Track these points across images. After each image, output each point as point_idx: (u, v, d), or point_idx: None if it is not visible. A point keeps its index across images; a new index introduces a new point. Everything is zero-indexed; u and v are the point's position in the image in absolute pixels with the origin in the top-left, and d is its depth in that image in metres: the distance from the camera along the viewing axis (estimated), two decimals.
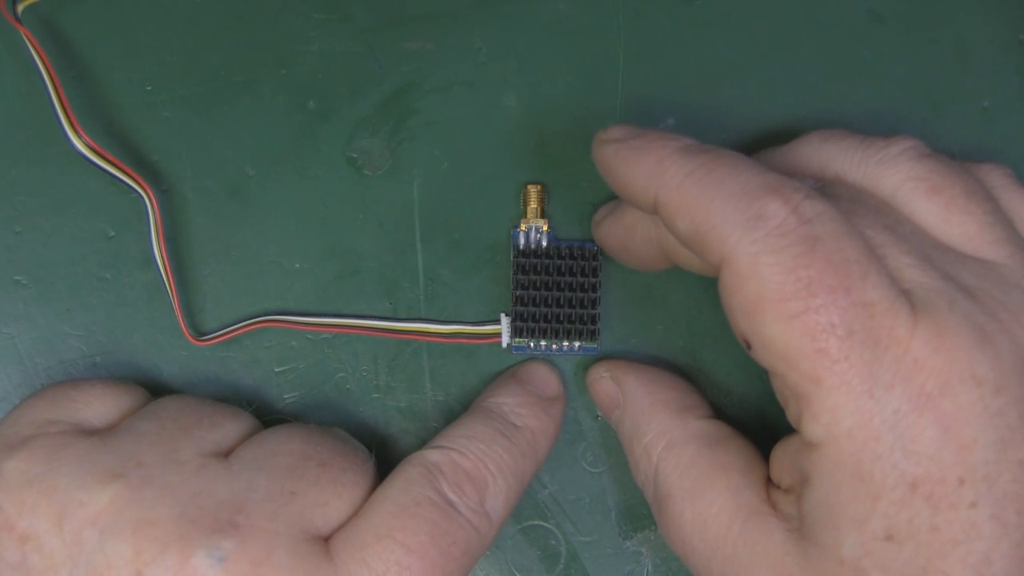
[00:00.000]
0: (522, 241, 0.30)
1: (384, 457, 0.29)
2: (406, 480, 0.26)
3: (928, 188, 0.25)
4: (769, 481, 0.26)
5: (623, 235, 0.29)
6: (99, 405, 0.28)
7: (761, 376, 0.31)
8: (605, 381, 0.30)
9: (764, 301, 0.22)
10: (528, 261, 0.30)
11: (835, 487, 0.23)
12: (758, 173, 0.23)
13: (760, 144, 0.30)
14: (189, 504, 0.24)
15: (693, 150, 0.24)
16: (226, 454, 0.26)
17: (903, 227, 0.25)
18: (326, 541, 0.25)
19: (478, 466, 0.27)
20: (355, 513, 0.26)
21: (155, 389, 0.30)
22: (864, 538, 0.23)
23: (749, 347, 0.24)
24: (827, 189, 0.26)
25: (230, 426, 0.27)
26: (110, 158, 0.29)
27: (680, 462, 0.27)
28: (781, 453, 0.26)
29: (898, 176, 0.25)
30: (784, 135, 0.31)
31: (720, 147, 0.25)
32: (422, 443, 0.30)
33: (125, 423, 0.27)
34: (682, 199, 0.24)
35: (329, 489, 0.26)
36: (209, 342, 0.30)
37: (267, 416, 0.30)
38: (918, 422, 0.22)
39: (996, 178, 0.27)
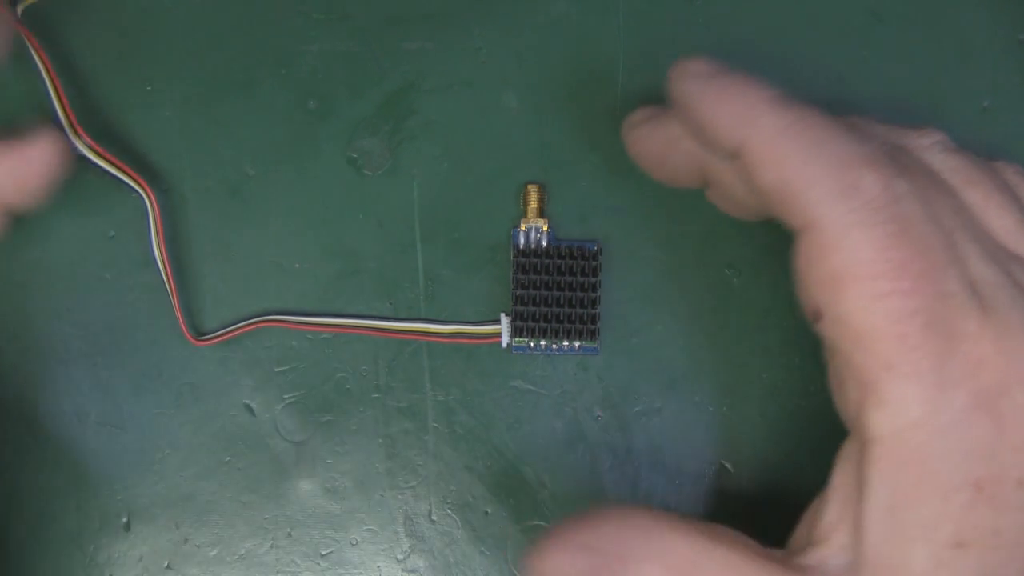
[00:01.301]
0: (522, 241, 0.30)
1: (384, 457, 0.29)
2: None
3: (964, 181, 0.25)
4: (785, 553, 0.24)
5: (662, 146, 0.27)
6: None
7: (762, 376, 0.31)
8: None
9: (850, 276, 0.22)
10: (528, 261, 0.30)
11: (900, 487, 0.22)
12: (855, 141, 0.23)
13: None
14: None
15: (784, 103, 0.23)
16: None
17: (965, 214, 0.24)
18: None
19: None
20: None
21: (155, 389, 0.30)
22: (935, 547, 0.22)
23: (818, 320, 0.23)
24: (902, 155, 0.25)
25: None
26: (110, 158, 0.29)
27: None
28: (834, 486, 0.24)
29: (933, 168, 0.25)
30: None
31: (804, 104, 0.24)
32: (422, 443, 0.30)
33: None
34: (774, 153, 0.23)
35: None
36: (209, 342, 0.30)
37: (265, 414, 0.30)
38: (980, 421, 0.22)
39: (1010, 175, 0.27)
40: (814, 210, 0.22)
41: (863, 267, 0.22)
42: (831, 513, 0.24)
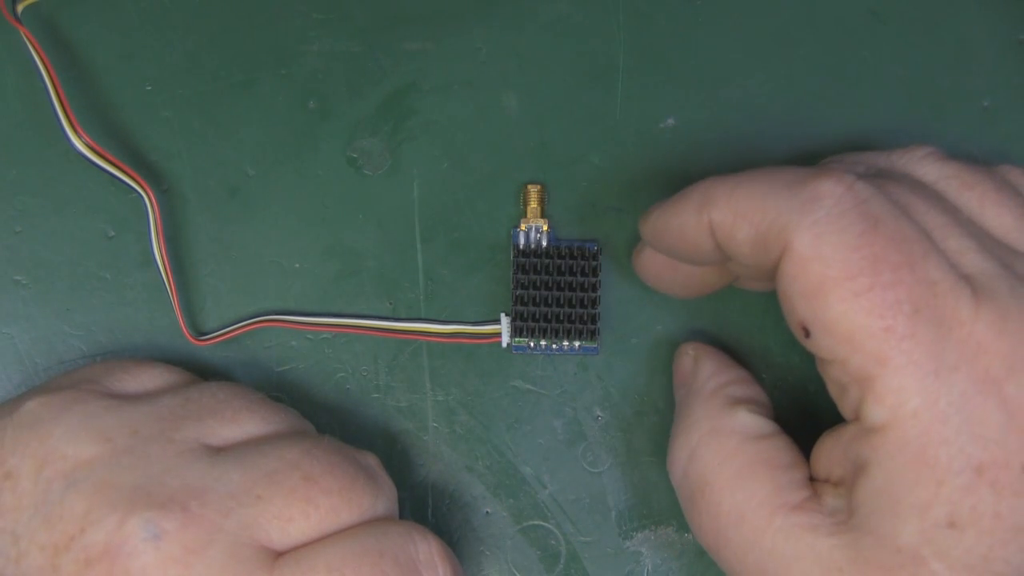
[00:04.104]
0: (522, 241, 0.30)
1: (384, 457, 0.29)
2: (383, 531, 0.25)
3: (960, 184, 0.25)
4: (810, 480, 0.26)
5: (664, 262, 0.29)
6: (147, 379, 0.28)
7: (762, 375, 0.31)
8: (687, 359, 0.30)
9: (828, 281, 0.22)
10: (528, 261, 0.30)
11: (897, 472, 0.22)
12: (803, 167, 0.24)
13: (760, 144, 0.30)
14: (154, 478, 0.24)
15: (731, 173, 0.25)
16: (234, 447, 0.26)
17: (961, 215, 0.25)
18: (277, 555, 0.24)
19: (456, 563, 0.26)
20: (320, 538, 0.25)
21: None
22: (925, 525, 0.22)
23: (807, 335, 0.23)
24: (886, 174, 0.26)
25: (251, 427, 0.27)
26: (110, 158, 0.29)
27: (721, 451, 0.26)
28: (832, 444, 0.25)
29: (929, 176, 0.26)
30: (784, 135, 0.31)
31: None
32: (422, 443, 0.30)
33: (158, 395, 0.27)
34: (736, 208, 0.24)
35: (299, 506, 0.25)
36: (209, 342, 0.30)
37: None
38: (984, 405, 0.22)
39: (1016, 176, 0.27)
40: (785, 233, 0.23)
41: (839, 269, 0.22)
42: (828, 471, 0.25)
